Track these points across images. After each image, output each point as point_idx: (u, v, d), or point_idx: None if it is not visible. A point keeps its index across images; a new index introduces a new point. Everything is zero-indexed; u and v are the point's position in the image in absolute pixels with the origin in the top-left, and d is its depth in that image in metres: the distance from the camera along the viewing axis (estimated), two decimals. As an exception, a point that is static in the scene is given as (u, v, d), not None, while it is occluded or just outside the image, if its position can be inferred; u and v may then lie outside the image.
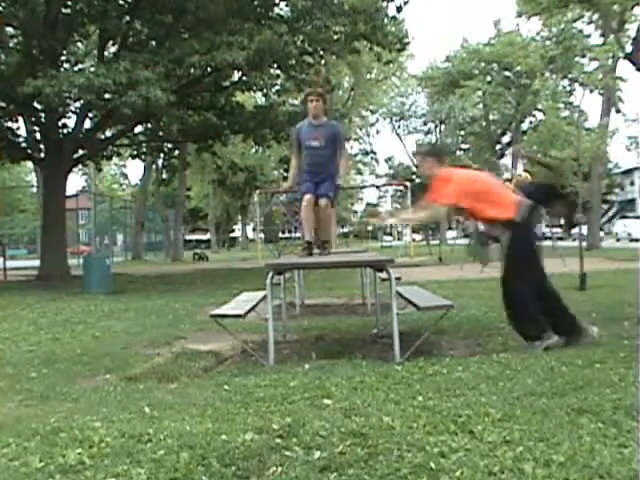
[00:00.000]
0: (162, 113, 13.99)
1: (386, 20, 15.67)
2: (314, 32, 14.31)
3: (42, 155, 15.85)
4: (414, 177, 48.77)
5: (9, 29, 14.83)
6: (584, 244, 12.92)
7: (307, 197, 5.33)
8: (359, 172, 54.34)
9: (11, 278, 15.42)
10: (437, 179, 4.39)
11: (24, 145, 16.45)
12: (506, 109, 33.64)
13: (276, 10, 15.38)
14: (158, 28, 14.39)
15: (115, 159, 28.84)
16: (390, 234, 52.76)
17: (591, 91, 24.44)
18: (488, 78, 32.29)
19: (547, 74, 26.49)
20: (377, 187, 56.37)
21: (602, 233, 28.05)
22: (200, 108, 17.29)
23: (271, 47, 12.71)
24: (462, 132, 42.56)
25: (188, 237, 55.52)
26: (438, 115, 45.34)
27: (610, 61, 20.18)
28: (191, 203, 50.63)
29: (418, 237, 42.84)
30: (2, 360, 4.79)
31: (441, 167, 4.49)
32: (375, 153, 53.17)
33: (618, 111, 25.11)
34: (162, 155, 24.70)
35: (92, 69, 13.00)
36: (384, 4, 15.61)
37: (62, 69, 14.28)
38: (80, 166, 22.16)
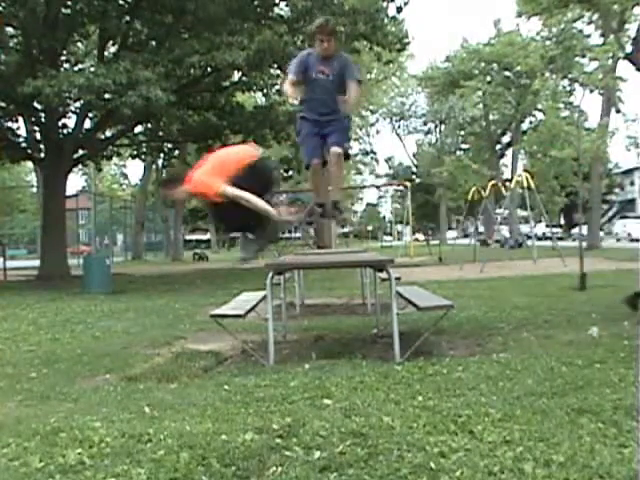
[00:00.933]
0: (162, 113, 13.99)
1: (386, 20, 15.67)
2: (314, 32, 14.31)
3: (42, 155, 15.86)
4: (414, 177, 48.95)
5: (9, 29, 14.83)
6: (584, 244, 12.92)
7: (315, 162, 4.58)
8: (359, 172, 54.36)
9: (11, 278, 15.42)
10: (198, 191, 4.44)
11: (24, 145, 16.45)
12: (506, 109, 33.59)
13: (276, 10, 15.37)
14: (158, 28, 14.40)
15: (115, 159, 28.83)
16: (390, 234, 52.81)
17: (591, 91, 24.41)
18: (488, 78, 32.24)
19: (547, 74, 26.47)
20: (377, 187, 56.37)
21: (602, 233, 28.03)
22: (200, 108, 17.30)
23: (271, 47, 12.71)
24: (462, 132, 42.55)
25: (188, 237, 55.50)
26: (438, 115, 45.33)
27: (610, 61, 20.16)
28: (191, 203, 50.53)
29: (421, 237, 42.90)
30: (2, 360, 4.79)
31: (183, 185, 4.51)
32: (375, 153, 53.21)
33: (618, 111, 25.06)
34: (162, 155, 24.68)
35: (92, 69, 12.99)
36: (384, 4, 15.61)
37: (62, 69, 14.29)
38: (80, 166, 22.17)
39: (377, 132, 66.87)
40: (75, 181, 63.11)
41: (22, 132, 16.72)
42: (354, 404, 2.98)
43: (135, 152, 21.22)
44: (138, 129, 18.99)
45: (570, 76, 27.37)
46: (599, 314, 5.72)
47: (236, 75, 16.65)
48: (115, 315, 7.58)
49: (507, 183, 20.84)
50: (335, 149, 4.52)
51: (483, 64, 32.29)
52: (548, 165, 21.31)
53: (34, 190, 33.49)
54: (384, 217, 68.03)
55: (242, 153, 4.60)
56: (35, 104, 13.93)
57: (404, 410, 2.86)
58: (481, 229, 32.71)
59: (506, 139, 37.65)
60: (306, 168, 4.80)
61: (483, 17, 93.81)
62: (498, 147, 37.66)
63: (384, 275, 4.86)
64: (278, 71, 16.29)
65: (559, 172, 22.20)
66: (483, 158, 35.09)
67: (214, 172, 4.35)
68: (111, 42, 15.38)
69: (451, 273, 12.94)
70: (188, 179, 4.46)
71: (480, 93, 32.46)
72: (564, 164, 20.04)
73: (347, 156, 4.75)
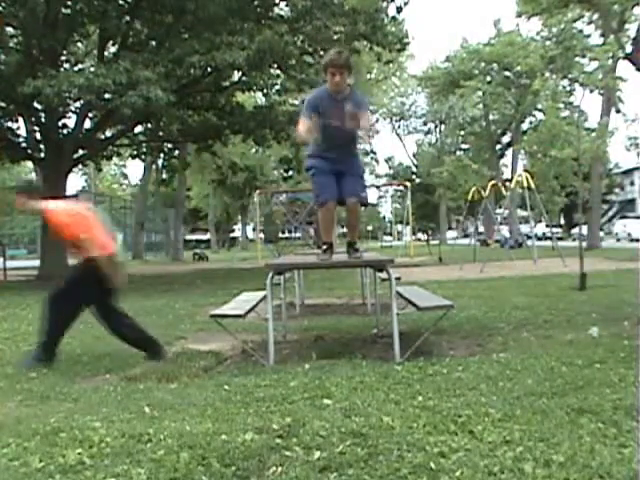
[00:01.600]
0: (162, 113, 13.98)
1: (386, 20, 15.69)
2: (314, 32, 14.31)
3: (42, 155, 15.84)
4: (414, 177, 48.94)
5: (9, 29, 14.82)
6: (584, 244, 12.92)
7: (330, 204, 4.39)
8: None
9: (11, 278, 15.42)
10: (53, 215, 4.51)
11: (24, 145, 16.44)
12: (506, 109, 33.63)
13: (276, 10, 15.38)
14: (158, 28, 14.39)
15: (115, 159, 28.83)
16: (390, 234, 52.80)
17: (591, 91, 24.41)
18: (488, 78, 32.27)
19: (547, 74, 26.48)
20: (377, 187, 56.36)
21: (602, 233, 28.02)
22: (200, 108, 17.29)
23: (271, 47, 12.71)
24: (462, 132, 42.57)
25: (188, 237, 55.51)
26: (438, 115, 45.36)
27: (610, 61, 20.15)
28: (191, 203, 50.61)
29: (424, 237, 42.93)
30: (2, 360, 4.78)
31: (36, 201, 4.57)
32: (375, 153, 53.20)
33: (618, 111, 25.06)
34: (162, 155, 24.69)
35: (92, 69, 12.98)
36: (384, 4, 15.63)
37: (62, 69, 14.28)
38: (80, 166, 22.17)
39: (377, 132, 66.88)
40: (75, 181, 63.09)
41: (22, 132, 16.72)
42: (354, 404, 2.98)
43: (135, 152, 21.20)
44: (138, 129, 18.98)
45: (570, 76, 27.38)
46: (599, 314, 5.72)
47: (236, 75, 16.65)
48: (115, 315, 7.56)
49: (507, 183, 20.81)
50: (352, 200, 4.39)
51: (483, 64, 32.31)
52: (548, 165, 21.29)
53: (34, 190, 33.44)
54: (384, 217, 68.04)
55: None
56: (35, 104, 13.92)
57: (404, 410, 2.86)
58: (481, 229, 32.71)
59: (506, 139, 37.68)
60: (319, 205, 4.54)
61: (483, 17, 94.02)
62: (498, 147, 37.68)
63: (384, 275, 4.86)
64: (278, 71, 16.30)
65: (559, 172, 22.19)
66: (483, 158, 35.09)
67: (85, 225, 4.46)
68: (111, 42, 15.37)
69: (451, 273, 12.94)
70: (44, 199, 4.58)
71: (480, 93, 32.48)
72: (564, 164, 20.01)
73: (364, 204, 4.64)
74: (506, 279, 10.73)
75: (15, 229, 37.32)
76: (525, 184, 15.55)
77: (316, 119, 4.27)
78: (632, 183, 52.00)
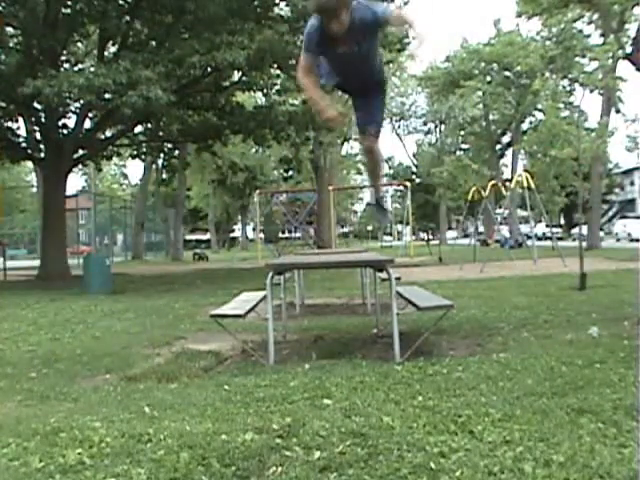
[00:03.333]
0: (162, 113, 13.98)
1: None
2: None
3: (42, 155, 15.86)
4: (414, 177, 48.94)
5: (9, 29, 14.81)
6: (584, 244, 12.92)
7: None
8: (359, 172, 54.36)
9: (11, 278, 15.42)
10: None
11: (24, 145, 16.45)
12: (506, 109, 33.64)
13: (276, 10, 15.36)
14: (158, 28, 14.39)
15: (115, 159, 28.82)
16: (390, 234, 52.82)
17: (591, 91, 24.44)
18: (488, 78, 32.30)
19: (547, 74, 26.52)
20: (377, 187, 56.20)
21: (602, 233, 28.01)
22: (200, 108, 17.29)
23: (272, 47, 12.70)
24: (462, 132, 42.57)
25: (188, 237, 55.53)
26: (438, 115, 45.34)
27: (610, 61, 20.15)
28: (191, 203, 50.64)
29: (426, 236, 42.93)
30: (2, 360, 4.78)
31: None
32: (375, 153, 53.05)
33: (618, 111, 25.07)
34: (162, 155, 24.70)
35: (92, 69, 12.98)
36: (384, 5, 15.60)
37: (62, 69, 14.28)
38: (80, 166, 22.17)
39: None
40: (75, 181, 63.22)
41: (22, 132, 16.74)
42: (354, 404, 2.98)
43: (135, 152, 21.20)
44: (138, 129, 18.98)
45: (570, 76, 27.41)
46: (599, 314, 5.72)
47: (236, 75, 16.64)
48: (115, 315, 7.58)
49: (507, 183, 20.81)
50: (372, 129, 3.64)
51: (483, 64, 32.35)
52: (548, 165, 21.29)
53: (34, 190, 33.51)
54: (384, 217, 67.89)
55: None
56: (35, 104, 13.92)
57: (404, 410, 2.86)
58: (481, 229, 32.72)
59: (506, 139, 37.67)
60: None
61: (483, 17, 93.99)
62: (498, 147, 37.68)
63: (384, 275, 4.86)
64: (278, 71, 16.29)
65: (559, 172, 22.20)
66: (483, 158, 35.10)
67: None
68: (111, 42, 15.37)
69: (451, 273, 12.94)
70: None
71: (480, 93, 32.50)
72: (564, 164, 20.02)
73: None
74: (506, 279, 10.73)
75: (15, 229, 37.31)
76: (525, 184, 15.54)
77: (318, 51, 3.34)
78: (632, 183, 52.02)
